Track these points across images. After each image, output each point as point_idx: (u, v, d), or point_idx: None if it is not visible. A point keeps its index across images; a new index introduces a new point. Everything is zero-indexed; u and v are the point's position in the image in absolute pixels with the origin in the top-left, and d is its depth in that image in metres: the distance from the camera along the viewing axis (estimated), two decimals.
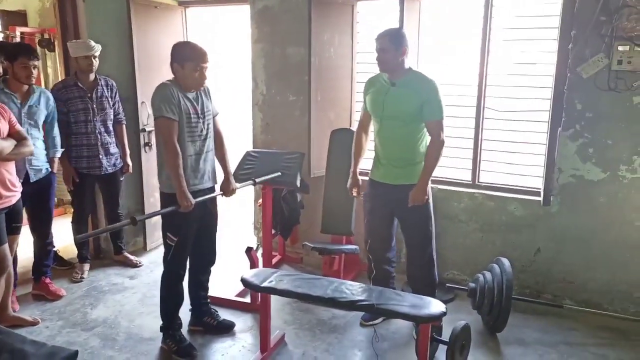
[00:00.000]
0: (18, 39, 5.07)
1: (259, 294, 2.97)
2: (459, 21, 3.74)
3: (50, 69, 5.44)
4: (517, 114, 3.60)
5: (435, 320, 2.45)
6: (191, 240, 2.92)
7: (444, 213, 3.76)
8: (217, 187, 3.03)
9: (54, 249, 4.07)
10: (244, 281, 2.76)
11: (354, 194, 3.26)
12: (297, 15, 3.95)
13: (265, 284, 2.70)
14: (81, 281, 3.87)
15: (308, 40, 3.70)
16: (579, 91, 3.23)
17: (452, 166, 3.84)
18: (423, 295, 2.65)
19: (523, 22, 3.50)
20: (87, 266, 4.02)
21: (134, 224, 2.55)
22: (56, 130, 3.54)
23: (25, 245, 3.70)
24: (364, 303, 2.50)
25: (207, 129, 2.87)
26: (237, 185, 3.08)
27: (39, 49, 5.25)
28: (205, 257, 3.10)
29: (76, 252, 4.02)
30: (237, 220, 5.17)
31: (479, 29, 3.54)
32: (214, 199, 2.99)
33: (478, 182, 3.75)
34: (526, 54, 3.53)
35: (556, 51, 3.10)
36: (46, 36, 5.13)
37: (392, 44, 2.86)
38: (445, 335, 2.73)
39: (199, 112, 2.81)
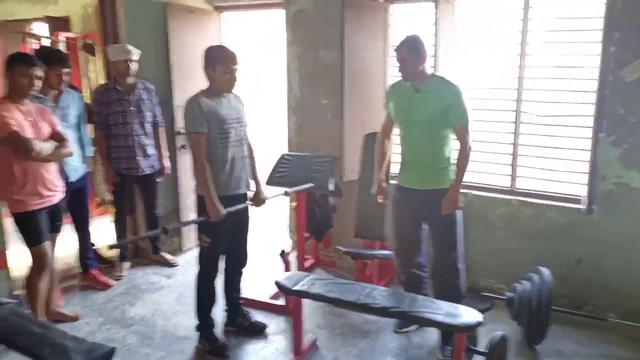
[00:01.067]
0: (63, 44, 5.25)
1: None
2: (495, 23, 3.66)
3: (92, 72, 5.61)
4: (555, 118, 3.50)
5: (471, 330, 2.41)
6: (224, 242, 2.97)
7: (480, 219, 3.69)
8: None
9: (94, 247, 4.22)
10: (277, 284, 2.78)
11: (380, 200, 3.26)
12: (330, 19, 3.95)
13: (297, 287, 2.71)
14: (120, 279, 3.98)
15: (341, 43, 3.70)
16: (621, 95, 3.12)
17: (488, 172, 3.76)
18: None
19: (563, 24, 3.40)
20: (127, 265, 4.13)
21: (165, 234, 2.63)
22: (86, 130, 3.68)
23: (67, 243, 3.85)
24: (396, 310, 2.48)
25: (242, 135, 2.92)
26: (267, 195, 3.13)
27: (81, 53, 5.46)
28: (237, 258, 3.14)
29: (116, 251, 4.13)
30: (274, 223, 5.21)
31: (517, 31, 3.45)
32: (245, 196, 3.04)
33: (515, 188, 3.67)
34: (566, 57, 3.43)
35: (598, 54, 3.01)
36: (88, 41, 5.29)
37: (410, 54, 2.85)
38: (481, 345, 2.67)
39: (234, 117, 2.86)
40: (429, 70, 2.99)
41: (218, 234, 2.86)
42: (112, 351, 2.16)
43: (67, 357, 2.08)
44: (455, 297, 2.97)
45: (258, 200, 3.05)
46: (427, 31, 3.52)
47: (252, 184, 3.08)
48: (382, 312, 2.53)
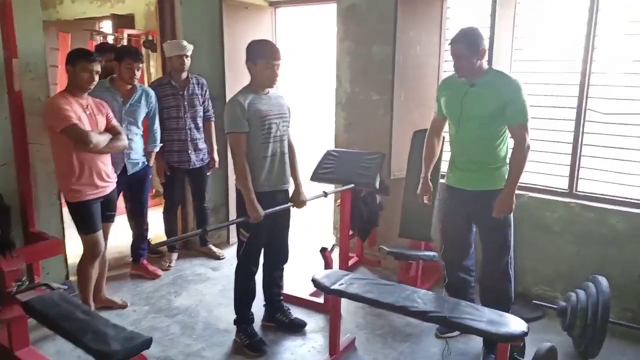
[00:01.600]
0: (125, 41, 5.47)
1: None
2: (559, 13, 3.42)
3: (153, 68, 5.82)
4: (624, 117, 3.23)
5: (515, 340, 2.26)
6: (263, 237, 2.96)
7: (535, 223, 3.48)
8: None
9: (148, 238, 4.37)
10: (314, 281, 2.74)
11: (425, 201, 3.11)
12: (383, 13, 3.86)
13: (335, 286, 2.66)
14: (169, 269, 4.09)
15: (393, 37, 3.60)
16: None
17: (545, 172, 3.54)
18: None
19: (634, 14, 3.13)
20: (175, 255, 4.24)
21: (204, 234, 2.66)
22: (157, 126, 3.78)
23: (121, 233, 4.01)
24: (436, 314, 2.38)
25: (284, 131, 2.90)
26: (307, 197, 3.09)
27: (143, 49, 5.65)
28: (277, 254, 3.13)
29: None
30: (319, 219, 5.18)
31: (584, 23, 3.22)
32: (287, 195, 3.01)
33: (576, 191, 3.43)
34: (637, 51, 3.15)
35: None
36: (150, 38, 5.48)
37: (468, 50, 2.67)
38: (528, 356, 2.52)
39: (275, 113, 2.84)
40: (485, 64, 2.80)
41: (257, 230, 2.86)
42: (149, 341, 2.21)
43: (106, 344, 2.15)
44: (503, 303, 2.83)
45: (297, 201, 3.02)
46: (486, 23, 3.33)
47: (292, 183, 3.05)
48: (421, 315, 2.43)
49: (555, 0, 3.44)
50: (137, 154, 3.62)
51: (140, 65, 3.51)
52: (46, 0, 7.00)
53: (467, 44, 2.68)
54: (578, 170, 3.41)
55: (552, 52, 3.47)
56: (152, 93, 3.71)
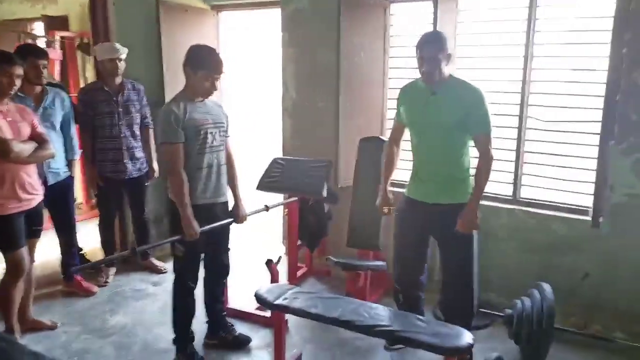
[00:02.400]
0: (58, 44, 5.17)
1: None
2: (499, 23, 3.46)
3: (89, 72, 5.52)
4: (563, 124, 3.29)
5: (461, 353, 2.21)
6: (200, 252, 2.82)
7: (481, 230, 3.47)
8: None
9: (81, 252, 4.11)
10: (257, 296, 2.61)
11: (385, 212, 2.95)
12: (327, 18, 3.80)
13: (278, 301, 2.54)
14: (106, 285, 3.85)
15: (337, 43, 3.54)
16: (634, 100, 2.91)
17: (490, 179, 3.54)
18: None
19: (571, 24, 3.20)
20: (112, 270, 4.00)
21: (134, 255, 2.50)
22: (73, 132, 3.53)
23: (52, 247, 3.74)
24: (383, 329, 2.30)
25: (221, 141, 2.77)
26: (248, 212, 2.97)
27: (78, 53, 5.37)
28: (218, 268, 2.99)
29: (103, 255, 4.00)
30: (270, 228, 5.04)
31: (522, 32, 3.26)
32: (225, 209, 2.87)
33: (519, 197, 3.46)
34: (574, 59, 3.22)
35: (608, 56, 2.80)
36: (85, 40, 5.20)
37: (442, 52, 2.53)
38: None
39: (211, 122, 2.71)
40: (447, 71, 2.64)
41: (192, 244, 2.69)
42: None
43: None
44: (464, 318, 2.70)
45: (237, 216, 2.88)
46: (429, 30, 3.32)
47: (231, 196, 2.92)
48: (367, 330, 2.34)
49: (495, 9, 3.47)
50: (58, 163, 3.37)
51: (46, 62, 3.27)
52: None
53: (441, 47, 2.54)
54: (521, 177, 3.45)
55: (493, 60, 3.50)
56: (65, 95, 3.47)
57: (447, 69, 2.64)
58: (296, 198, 3.65)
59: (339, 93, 3.63)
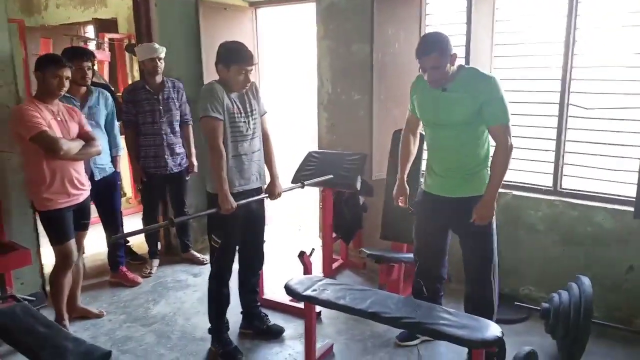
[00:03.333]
0: (107, 45, 5.41)
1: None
2: (539, 7, 3.33)
3: (136, 72, 5.75)
4: (607, 111, 3.14)
5: (489, 346, 2.17)
6: (236, 242, 2.88)
7: (519, 222, 3.39)
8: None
9: (128, 244, 4.30)
10: (287, 288, 2.67)
11: (400, 204, 2.92)
12: (362, 11, 3.79)
13: (307, 293, 2.58)
14: (149, 276, 4.02)
15: (370, 35, 3.53)
16: None
17: (529, 170, 3.46)
18: None
19: (616, 4, 3.04)
20: (156, 262, 4.17)
21: (172, 226, 2.57)
22: (117, 130, 3.69)
23: (102, 240, 3.94)
24: (408, 321, 2.30)
25: (254, 128, 2.80)
26: (283, 187, 2.98)
27: (126, 54, 5.60)
28: (252, 260, 3.05)
29: (147, 248, 4.18)
30: (311, 221, 5.10)
31: (564, 15, 3.13)
32: (261, 201, 2.92)
33: (560, 188, 3.34)
34: (620, 43, 3.06)
35: None
36: (132, 42, 5.41)
37: (442, 59, 2.44)
38: None
39: (245, 111, 2.75)
40: (455, 65, 2.53)
41: (229, 233, 2.77)
42: (107, 354, 2.17)
43: (63, 359, 2.09)
44: (486, 312, 2.63)
45: (272, 192, 2.91)
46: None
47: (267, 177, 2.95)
48: (393, 322, 2.35)
49: None
50: (104, 159, 3.52)
51: (90, 64, 3.42)
52: (31, 6, 6.97)
53: (441, 53, 2.43)
54: (562, 167, 3.32)
55: (533, 46, 3.38)
56: (108, 94, 3.62)
57: (455, 65, 2.53)
58: (332, 176, 3.56)
59: (372, 86, 3.61)
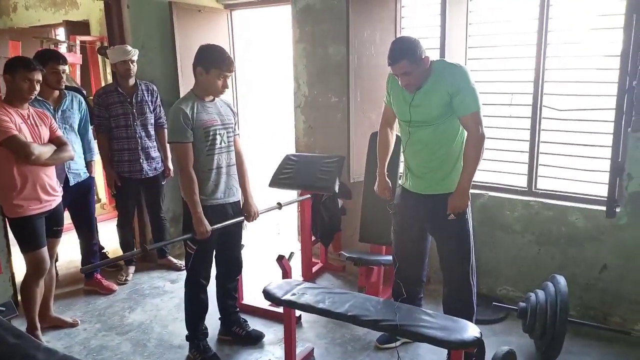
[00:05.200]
0: (79, 48, 5.30)
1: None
2: (511, 10, 3.37)
3: (109, 75, 5.64)
4: (580, 113, 3.20)
5: (468, 346, 2.18)
6: (212, 249, 2.85)
7: (496, 223, 3.43)
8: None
9: (103, 251, 4.21)
10: (265, 292, 2.63)
11: (385, 196, 2.91)
12: (338, 13, 3.79)
13: (286, 297, 2.55)
14: (125, 283, 3.93)
15: (346, 38, 3.53)
16: None
17: (505, 171, 3.50)
18: None
19: (587, 8, 3.10)
20: (132, 269, 4.09)
21: (145, 252, 2.55)
22: (90, 135, 3.62)
23: (76, 247, 3.84)
24: (388, 323, 2.29)
25: (229, 141, 2.78)
26: (260, 210, 2.99)
27: (99, 57, 5.49)
28: (229, 266, 3.01)
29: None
30: (290, 225, 5.07)
31: (536, 18, 3.18)
32: (238, 206, 2.89)
33: (535, 189, 3.38)
34: (591, 45, 3.12)
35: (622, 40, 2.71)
36: (105, 44, 5.31)
37: (412, 64, 2.44)
38: None
39: (220, 123, 2.73)
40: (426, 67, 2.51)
41: (204, 242, 2.73)
42: None
43: None
44: (467, 313, 2.67)
45: (249, 214, 2.90)
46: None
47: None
48: (372, 325, 2.34)
49: None
50: (78, 165, 3.45)
51: (65, 67, 3.35)
52: (0, 8, 6.79)
53: (410, 59, 2.43)
54: (536, 168, 3.37)
55: (506, 49, 3.42)
56: (81, 98, 3.55)
57: (426, 67, 2.52)
58: (309, 195, 3.66)
59: (349, 88, 3.61)
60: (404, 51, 2.45)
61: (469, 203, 2.61)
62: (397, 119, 2.82)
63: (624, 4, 2.70)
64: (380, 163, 2.92)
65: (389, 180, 2.92)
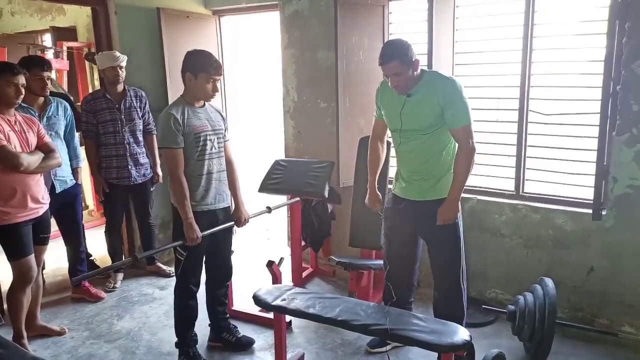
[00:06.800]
0: (65, 54, 5.27)
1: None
2: (497, 17, 3.42)
3: (97, 81, 5.61)
4: (566, 117, 3.24)
5: (458, 350, 2.19)
6: (202, 255, 2.84)
7: (484, 226, 3.46)
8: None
9: (91, 258, 4.17)
10: (255, 298, 2.63)
11: (375, 210, 2.95)
12: (326, 19, 3.82)
13: (276, 303, 2.55)
14: (114, 290, 3.90)
15: (335, 43, 3.55)
16: (635, 91, 2.85)
17: (492, 175, 3.53)
18: None
19: (571, 15, 3.16)
20: (120, 276, 4.05)
21: (135, 261, 2.54)
22: (76, 141, 3.58)
23: (63, 254, 3.80)
24: (378, 327, 2.29)
25: (219, 147, 2.79)
26: (250, 214, 2.98)
27: (86, 63, 5.46)
28: (219, 271, 3.00)
29: (111, 262, 4.05)
30: (280, 231, 5.06)
31: (520, 25, 3.22)
32: (228, 212, 2.89)
33: (522, 192, 3.42)
34: (576, 51, 3.17)
35: (605, 46, 2.76)
36: (92, 50, 5.28)
37: (403, 65, 2.46)
38: None
39: (210, 129, 2.73)
40: (419, 70, 2.56)
41: (193, 248, 2.72)
42: None
43: None
44: (458, 316, 2.68)
45: (239, 219, 2.90)
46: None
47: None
48: (363, 329, 2.35)
49: (493, 3, 3.43)
50: (65, 171, 3.41)
51: (50, 74, 3.32)
52: None
53: (401, 60, 2.46)
54: (524, 172, 3.40)
55: (492, 54, 3.46)
56: (67, 104, 3.51)
57: (418, 70, 2.56)
58: (298, 199, 3.67)
59: (337, 93, 3.63)
60: (396, 52, 2.48)
61: (460, 210, 2.63)
62: (387, 132, 2.86)
63: (607, 11, 2.75)
64: (370, 176, 2.94)
65: (379, 193, 2.95)
